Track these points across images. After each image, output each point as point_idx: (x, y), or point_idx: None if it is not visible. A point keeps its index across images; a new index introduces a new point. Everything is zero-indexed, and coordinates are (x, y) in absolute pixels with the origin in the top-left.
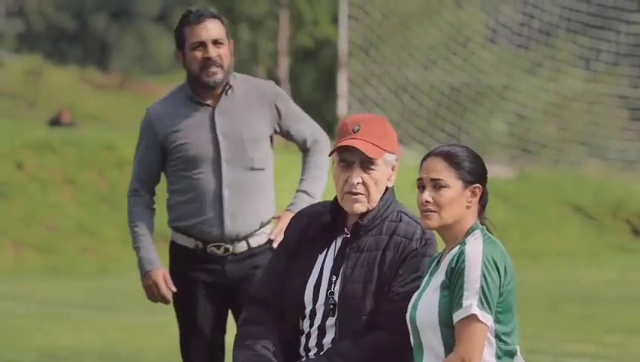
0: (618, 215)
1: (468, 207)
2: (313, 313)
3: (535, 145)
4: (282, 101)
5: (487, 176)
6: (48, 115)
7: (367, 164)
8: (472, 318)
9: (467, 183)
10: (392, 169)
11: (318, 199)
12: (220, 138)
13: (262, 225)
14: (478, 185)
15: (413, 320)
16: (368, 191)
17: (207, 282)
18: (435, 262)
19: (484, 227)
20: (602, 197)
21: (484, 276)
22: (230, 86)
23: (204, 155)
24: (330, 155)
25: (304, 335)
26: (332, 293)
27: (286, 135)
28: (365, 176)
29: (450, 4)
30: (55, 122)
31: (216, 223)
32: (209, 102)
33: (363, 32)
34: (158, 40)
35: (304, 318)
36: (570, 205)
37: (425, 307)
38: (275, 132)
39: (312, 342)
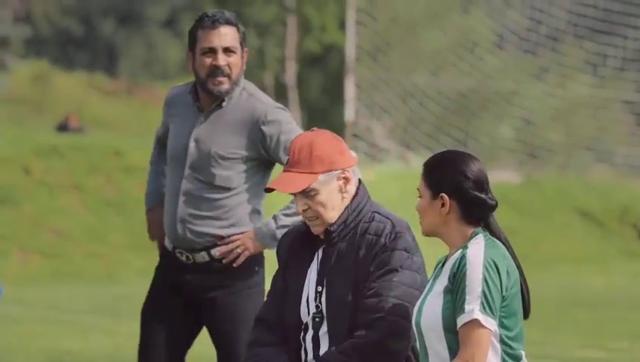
0: (625, 220)
1: (445, 216)
2: (307, 326)
3: (542, 151)
4: (272, 126)
5: (465, 184)
6: (56, 120)
7: (304, 192)
8: (475, 323)
9: (435, 193)
10: (345, 180)
11: (285, 229)
12: (191, 145)
13: (221, 240)
14: (444, 194)
15: (418, 324)
16: (318, 214)
17: (177, 292)
18: (440, 266)
19: (487, 232)
20: (609, 203)
21: (486, 280)
22: (224, 99)
23: (174, 156)
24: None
25: (303, 350)
26: (317, 306)
27: (277, 162)
28: (309, 202)
29: (458, 10)
30: (62, 127)
31: (171, 227)
32: (203, 107)
33: (370, 38)
34: (166, 45)
35: (301, 333)
36: (576, 210)
37: (429, 312)
38: (263, 156)
39: (310, 355)
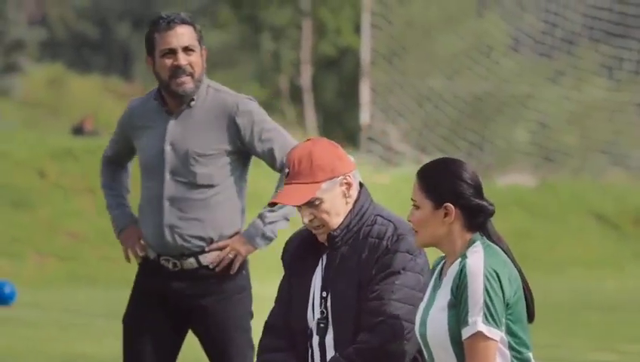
0: None
1: (449, 226)
2: (311, 332)
3: (557, 154)
4: (245, 117)
5: (467, 191)
6: (71, 123)
7: (309, 203)
8: (480, 335)
9: (437, 203)
10: (347, 185)
11: (274, 227)
12: (167, 149)
13: (211, 242)
14: (449, 204)
15: (423, 336)
16: (324, 222)
17: (162, 299)
18: (437, 275)
19: (484, 237)
20: (624, 206)
21: (487, 290)
22: (193, 98)
23: (152, 164)
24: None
25: (310, 356)
26: (322, 312)
27: (254, 154)
28: (314, 211)
29: (473, 14)
30: (77, 130)
31: (157, 235)
32: (171, 110)
33: (386, 41)
34: None
35: (308, 339)
36: (592, 213)
37: (434, 326)
38: (240, 149)
39: (317, 360)
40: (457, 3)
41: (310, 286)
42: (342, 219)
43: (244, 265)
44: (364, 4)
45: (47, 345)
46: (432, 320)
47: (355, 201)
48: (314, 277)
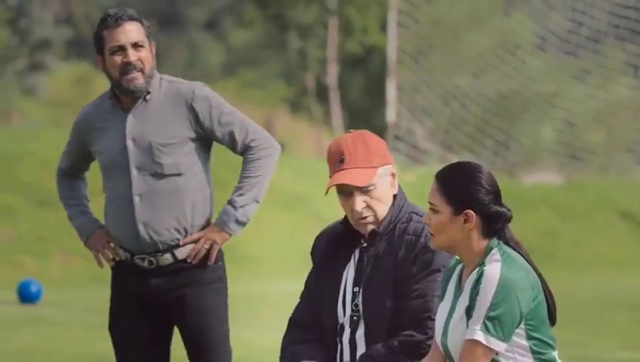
0: None
1: (468, 232)
2: (342, 327)
3: (583, 152)
4: (202, 103)
5: (486, 198)
6: None
7: (363, 188)
8: (476, 343)
9: (457, 209)
10: (392, 176)
11: (246, 210)
12: (129, 144)
13: (186, 233)
14: (469, 210)
15: (444, 345)
16: (374, 210)
17: (140, 299)
18: (457, 281)
19: (501, 242)
20: None
21: (498, 301)
22: (149, 91)
23: (115, 163)
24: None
25: (338, 352)
26: (356, 305)
27: (214, 139)
28: (367, 198)
29: (499, 12)
30: None
31: (130, 234)
32: (127, 107)
33: (412, 40)
34: (207, 47)
35: (337, 334)
36: (618, 212)
37: (454, 334)
38: (201, 135)
39: (346, 356)
40: (484, 1)
41: (341, 282)
42: (385, 211)
43: (220, 256)
44: (391, 2)
45: (72, 344)
46: (453, 330)
47: (394, 199)
48: (345, 272)
